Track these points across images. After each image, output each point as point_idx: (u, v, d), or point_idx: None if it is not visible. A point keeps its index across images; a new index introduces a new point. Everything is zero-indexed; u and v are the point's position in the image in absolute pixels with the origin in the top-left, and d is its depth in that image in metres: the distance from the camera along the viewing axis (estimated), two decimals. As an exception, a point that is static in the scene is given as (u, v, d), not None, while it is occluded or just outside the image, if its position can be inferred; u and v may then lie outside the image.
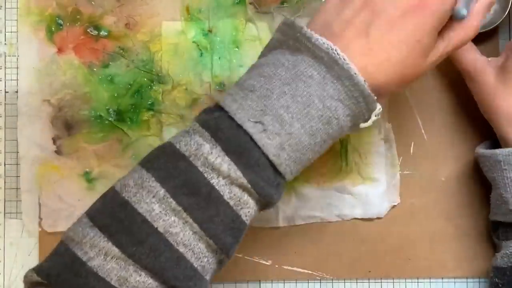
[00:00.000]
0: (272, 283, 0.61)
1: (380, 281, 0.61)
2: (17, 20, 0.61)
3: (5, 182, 0.62)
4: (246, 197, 0.43)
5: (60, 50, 0.61)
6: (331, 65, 0.42)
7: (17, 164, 0.61)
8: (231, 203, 0.42)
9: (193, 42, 0.61)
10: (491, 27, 0.58)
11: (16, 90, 0.61)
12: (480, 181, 0.60)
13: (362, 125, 0.45)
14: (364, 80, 0.42)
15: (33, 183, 0.60)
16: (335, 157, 0.61)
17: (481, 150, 0.56)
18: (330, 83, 0.42)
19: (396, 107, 0.61)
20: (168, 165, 0.43)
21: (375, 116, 0.45)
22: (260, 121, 0.42)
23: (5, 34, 0.62)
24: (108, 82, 0.60)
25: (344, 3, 0.44)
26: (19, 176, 0.61)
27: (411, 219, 0.61)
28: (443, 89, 0.61)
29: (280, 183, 0.44)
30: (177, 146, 0.43)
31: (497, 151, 0.54)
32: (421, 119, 0.61)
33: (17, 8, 0.61)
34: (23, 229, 0.61)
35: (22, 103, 0.60)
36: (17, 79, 0.61)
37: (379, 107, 0.44)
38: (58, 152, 0.60)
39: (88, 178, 0.60)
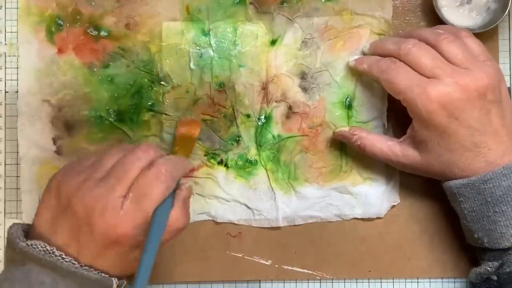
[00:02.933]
0: (272, 283, 0.62)
1: (380, 281, 0.61)
2: (17, 20, 0.61)
3: (5, 182, 0.62)
4: None
5: (60, 51, 0.61)
6: (54, 267, 0.45)
7: (17, 164, 0.61)
8: None
9: (193, 42, 0.61)
10: (490, 27, 0.58)
11: (16, 90, 0.61)
12: (480, 181, 0.60)
13: None
14: (85, 267, 0.46)
15: (33, 183, 0.60)
16: (335, 157, 0.61)
17: (444, 182, 0.56)
18: (61, 282, 0.45)
19: (396, 107, 0.61)
20: None
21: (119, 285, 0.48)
22: None
23: (5, 34, 0.62)
24: (108, 83, 0.60)
25: (55, 224, 0.47)
26: (19, 176, 0.61)
27: (411, 219, 0.61)
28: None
29: None
30: None
31: (451, 183, 0.54)
32: (421, 119, 0.61)
33: (17, 8, 0.61)
34: (23, 229, 0.61)
35: (22, 103, 0.60)
36: (17, 79, 0.61)
37: (115, 281, 0.47)
38: (58, 152, 0.60)
39: (88, 178, 0.60)
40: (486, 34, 0.59)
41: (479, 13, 0.60)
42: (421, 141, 0.54)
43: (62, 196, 0.47)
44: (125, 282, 0.49)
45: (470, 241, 0.57)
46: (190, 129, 0.59)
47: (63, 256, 0.46)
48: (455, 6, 0.60)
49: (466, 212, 0.54)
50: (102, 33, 0.61)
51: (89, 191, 0.46)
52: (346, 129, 0.58)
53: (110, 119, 0.60)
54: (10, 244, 0.47)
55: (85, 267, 0.46)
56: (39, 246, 0.46)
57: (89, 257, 0.47)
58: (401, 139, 0.56)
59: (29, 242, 0.46)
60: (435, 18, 0.60)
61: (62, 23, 0.61)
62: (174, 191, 0.50)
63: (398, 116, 0.60)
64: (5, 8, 0.62)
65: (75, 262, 0.46)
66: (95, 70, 0.60)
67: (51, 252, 0.46)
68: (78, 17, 0.61)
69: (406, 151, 0.55)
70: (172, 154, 0.57)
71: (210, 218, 0.61)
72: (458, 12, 0.60)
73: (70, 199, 0.47)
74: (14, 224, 0.49)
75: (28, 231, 0.49)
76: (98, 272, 0.46)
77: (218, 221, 0.61)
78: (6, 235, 0.48)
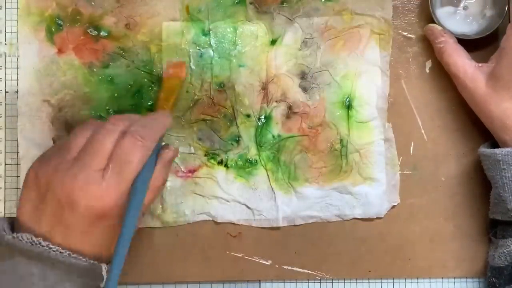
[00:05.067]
0: (272, 283, 0.62)
1: (380, 281, 0.61)
2: (17, 20, 0.61)
3: (5, 182, 0.62)
4: None
5: (60, 51, 0.61)
6: (41, 257, 0.45)
7: (17, 164, 0.61)
8: None
9: (193, 42, 0.61)
10: (487, 33, 0.58)
11: (16, 90, 0.61)
12: (480, 181, 0.60)
13: (102, 284, 0.47)
14: (74, 255, 0.46)
15: (33, 183, 0.60)
16: (335, 157, 0.61)
17: (482, 149, 0.56)
18: (49, 272, 0.45)
19: (396, 107, 0.61)
20: None
21: (106, 273, 0.47)
22: None
23: (5, 34, 0.62)
24: (108, 83, 0.60)
25: (37, 212, 0.47)
26: (19, 176, 0.61)
27: (411, 219, 0.61)
28: (443, 89, 0.61)
29: None
30: None
31: (497, 150, 0.54)
32: (421, 119, 0.61)
33: (17, 8, 0.61)
34: (23, 229, 0.61)
35: (22, 104, 0.60)
36: (17, 79, 0.61)
37: (104, 267, 0.47)
38: (58, 152, 0.60)
39: (88, 178, 0.60)
40: (485, 40, 0.59)
41: (475, 19, 0.60)
42: (498, 77, 0.54)
43: (40, 183, 0.47)
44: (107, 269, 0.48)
45: (496, 215, 0.56)
46: (176, 71, 0.59)
47: (50, 245, 0.45)
48: (451, 13, 0.60)
49: (506, 181, 0.54)
50: (102, 33, 0.61)
51: (66, 171, 0.46)
52: (439, 28, 0.58)
53: (110, 119, 0.60)
54: None
55: (74, 255, 0.46)
56: (25, 238, 0.45)
57: (77, 240, 0.46)
58: (480, 65, 0.56)
59: (15, 235, 0.46)
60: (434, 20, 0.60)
61: (62, 23, 0.61)
62: (158, 151, 0.50)
63: (398, 116, 0.61)
64: (5, 8, 0.62)
65: (63, 251, 0.45)
66: (95, 70, 0.61)
67: (37, 242, 0.45)
68: (78, 17, 0.61)
69: (477, 76, 0.56)
70: (158, 99, 0.57)
71: (210, 218, 0.61)
72: (454, 18, 0.60)
73: (49, 184, 0.46)
74: (0, 218, 0.48)
75: (13, 225, 0.48)
76: (86, 260, 0.46)
77: (218, 221, 0.61)
78: None
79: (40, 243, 0.45)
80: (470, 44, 0.58)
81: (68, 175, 0.46)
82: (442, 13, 0.60)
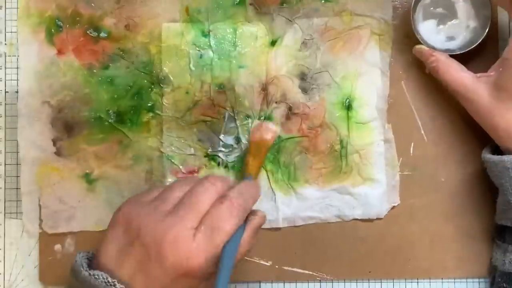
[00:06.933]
0: (272, 283, 0.62)
1: (380, 281, 0.61)
2: (17, 20, 0.61)
3: (5, 182, 0.62)
4: None
5: (60, 52, 0.61)
6: None
7: (17, 164, 0.61)
8: None
9: (193, 43, 0.61)
10: (471, 47, 0.57)
11: (16, 90, 0.61)
12: (480, 182, 0.60)
13: None
14: None
15: (33, 184, 0.60)
16: (335, 158, 0.61)
17: (488, 155, 0.55)
18: None
19: (396, 108, 0.61)
20: None
21: None
22: None
23: (5, 34, 0.62)
24: (108, 84, 0.60)
25: (121, 256, 0.47)
26: (19, 176, 0.61)
27: (411, 219, 0.61)
28: (443, 89, 0.61)
29: None
30: None
31: (505, 158, 0.53)
32: (421, 119, 0.61)
33: (17, 8, 0.61)
34: (23, 229, 0.61)
35: (22, 105, 0.60)
36: (17, 79, 0.61)
37: None
38: (58, 153, 0.60)
39: (88, 179, 0.60)
40: (467, 54, 0.58)
41: (459, 32, 0.59)
42: (502, 87, 0.53)
43: (131, 226, 0.46)
44: None
45: (505, 221, 0.56)
46: (262, 133, 0.59)
47: None
48: (435, 28, 0.59)
49: None
50: (102, 34, 0.61)
51: (160, 222, 0.46)
52: (426, 48, 0.58)
53: (110, 120, 0.60)
54: (74, 272, 0.47)
55: None
56: (101, 277, 0.45)
57: None
58: (478, 75, 0.55)
59: (91, 272, 0.45)
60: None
61: (61, 24, 0.61)
62: (246, 217, 0.50)
63: (398, 117, 0.61)
64: (5, 8, 0.62)
65: None
66: (94, 71, 0.61)
67: (112, 284, 0.44)
68: (77, 18, 0.61)
69: (478, 87, 0.55)
70: (245, 164, 0.58)
71: (210, 219, 0.61)
72: (436, 36, 0.59)
73: (140, 230, 0.46)
74: (80, 251, 0.48)
75: (92, 260, 0.48)
76: None
77: (218, 221, 0.61)
78: (71, 263, 0.48)
79: (115, 285, 0.44)
80: (457, 55, 0.58)
81: (161, 227, 0.46)
82: (425, 30, 0.59)
